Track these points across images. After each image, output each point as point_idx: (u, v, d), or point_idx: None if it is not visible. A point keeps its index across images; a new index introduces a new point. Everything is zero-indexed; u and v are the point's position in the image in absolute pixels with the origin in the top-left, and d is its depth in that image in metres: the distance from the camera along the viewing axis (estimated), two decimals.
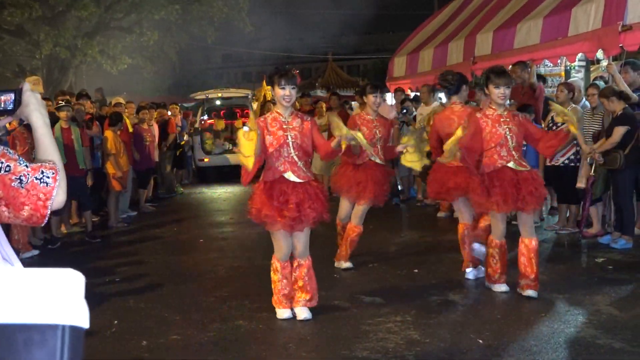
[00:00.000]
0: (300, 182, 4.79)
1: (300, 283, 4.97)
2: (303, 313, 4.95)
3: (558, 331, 4.53)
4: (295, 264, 4.98)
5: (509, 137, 5.22)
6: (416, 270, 6.35)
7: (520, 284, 5.35)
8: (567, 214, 7.88)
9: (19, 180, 1.79)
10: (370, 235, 8.31)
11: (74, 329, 0.98)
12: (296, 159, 4.80)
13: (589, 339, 4.36)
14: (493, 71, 5.33)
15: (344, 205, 6.54)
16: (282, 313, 4.99)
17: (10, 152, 1.82)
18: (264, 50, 40.10)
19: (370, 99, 6.42)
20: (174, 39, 24.88)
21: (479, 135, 5.27)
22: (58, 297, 0.98)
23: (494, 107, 5.34)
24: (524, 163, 5.31)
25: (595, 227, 7.42)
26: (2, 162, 1.79)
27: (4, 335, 0.92)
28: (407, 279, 6.07)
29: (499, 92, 5.22)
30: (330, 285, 5.90)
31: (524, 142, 5.54)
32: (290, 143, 4.78)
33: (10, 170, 1.79)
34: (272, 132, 4.78)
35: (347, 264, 6.53)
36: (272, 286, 5.02)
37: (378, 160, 6.30)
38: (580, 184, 7.36)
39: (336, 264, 6.58)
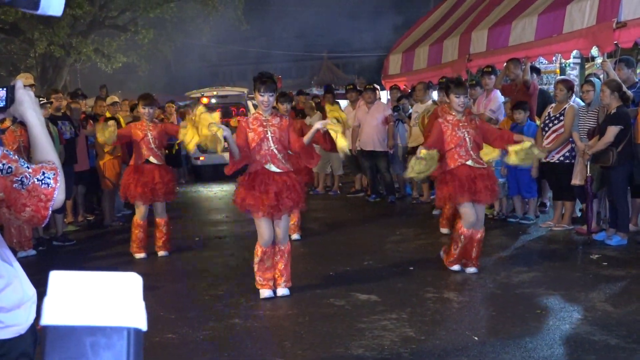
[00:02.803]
0: (279, 173, 5.33)
1: (280, 266, 5.52)
2: (282, 291, 5.53)
3: (553, 328, 4.54)
4: (277, 249, 5.49)
5: (467, 138, 5.93)
6: (411, 268, 6.36)
7: (463, 262, 6.11)
8: (563, 211, 7.88)
9: (20, 182, 1.79)
10: (366, 232, 8.34)
11: (137, 332, 1.00)
12: (276, 151, 5.34)
13: (584, 336, 4.37)
14: (452, 82, 6.13)
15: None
16: (264, 292, 5.48)
17: (10, 154, 1.82)
18: (260, 48, 40.08)
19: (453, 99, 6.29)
20: (169, 37, 24.82)
21: (441, 137, 5.97)
22: (122, 300, 1.00)
23: (453, 113, 6.04)
24: (481, 161, 6.04)
25: (592, 224, 7.42)
26: (3, 164, 1.78)
27: (72, 338, 0.93)
28: (403, 277, 6.07)
29: (458, 101, 5.95)
30: (325, 283, 5.91)
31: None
32: (270, 138, 5.33)
33: (12, 171, 1.78)
34: (253, 129, 5.35)
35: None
36: (255, 269, 5.49)
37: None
38: (576, 180, 7.37)
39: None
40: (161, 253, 7.35)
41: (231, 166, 5.34)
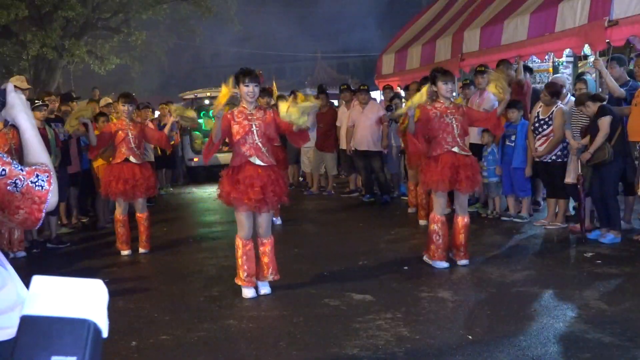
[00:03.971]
0: (264, 166, 5.38)
1: (265, 259, 5.58)
2: (264, 288, 5.61)
3: (547, 326, 4.55)
4: (260, 242, 5.57)
5: (454, 125, 6.13)
6: (406, 268, 6.36)
7: (454, 253, 6.29)
8: (556, 209, 7.90)
9: (14, 184, 1.78)
10: (360, 232, 8.34)
11: (97, 330, 1.23)
12: (260, 145, 5.40)
13: (578, 334, 4.38)
14: (439, 71, 6.29)
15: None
16: (248, 292, 5.52)
17: (4, 156, 1.81)
18: (253, 49, 40.02)
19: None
20: (162, 38, 24.79)
21: (429, 124, 6.14)
22: (88, 299, 1.25)
23: (441, 100, 6.23)
24: (466, 149, 6.30)
25: (584, 222, 7.44)
26: None
27: (42, 327, 1.19)
28: (397, 276, 6.07)
29: (446, 88, 6.16)
30: (320, 283, 5.90)
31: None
32: (255, 131, 5.39)
33: (5, 174, 1.78)
34: (238, 122, 5.41)
35: None
36: (237, 266, 5.55)
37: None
38: (569, 179, 7.39)
39: None
40: (141, 250, 7.57)
41: (207, 152, 5.50)
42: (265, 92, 8.50)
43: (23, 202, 1.79)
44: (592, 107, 6.88)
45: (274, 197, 5.41)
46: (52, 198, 1.84)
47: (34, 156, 1.94)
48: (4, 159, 1.80)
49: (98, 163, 9.13)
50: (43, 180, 1.83)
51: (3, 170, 1.78)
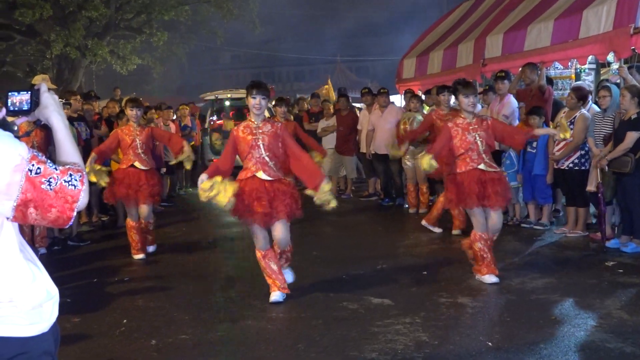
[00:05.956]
0: (270, 181, 5.26)
1: (283, 263, 5.61)
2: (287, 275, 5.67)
3: (568, 334, 4.51)
4: (279, 252, 5.52)
5: (478, 142, 5.80)
6: (425, 272, 6.34)
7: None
8: (576, 217, 7.83)
9: (48, 183, 1.81)
10: (379, 236, 8.34)
11: None
12: (267, 159, 5.29)
13: (599, 343, 4.34)
14: (460, 83, 5.97)
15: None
16: (278, 296, 5.42)
17: (39, 155, 1.84)
18: (273, 51, 40.17)
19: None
20: (183, 39, 24.95)
21: (448, 143, 5.85)
22: None
23: (463, 115, 5.92)
24: (494, 165, 5.93)
25: (606, 231, 7.37)
26: (33, 165, 1.81)
27: None
28: (416, 281, 6.06)
29: (468, 101, 5.80)
30: (338, 286, 5.90)
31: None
32: (261, 145, 5.28)
33: (40, 172, 1.81)
34: (242, 138, 5.34)
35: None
36: (265, 275, 5.49)
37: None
38: (591, 187, 7.32)
39: None
40: (149, 249, 7.58)
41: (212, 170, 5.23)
42: (282, 101, 8.42)
43: (56, 200, 1.82)
44: (633, 107, 6.67)
45: (283, 208, 5.25)
46: (84, 198, 1.87)
47: (66, 156, 1.97)
48: (39, 157, 1.83)
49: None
50: (76, 180, 1.85)
51: (38, 168, 1.81)
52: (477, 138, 5.79)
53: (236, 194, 5.11)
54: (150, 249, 7.62)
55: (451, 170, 5.95)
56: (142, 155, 7.27)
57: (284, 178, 5.44)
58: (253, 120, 5.38)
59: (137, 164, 7.22)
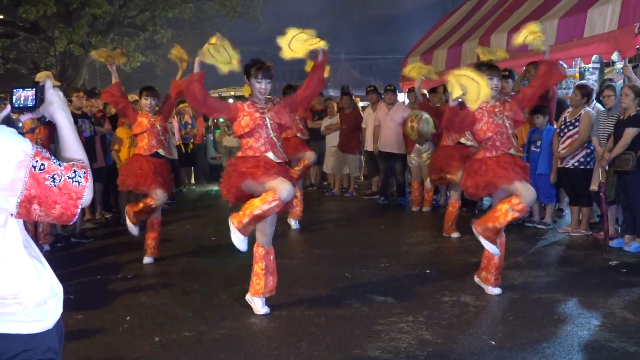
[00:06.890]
0: (278, 162, 5.04)
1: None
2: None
3: (571, 334, 4.51)
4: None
5: (507, 124, 5.42)
6: (428, 271, 6.34)
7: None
8: (579, 217, 7.82)
9: (52, 179, 1.81)
10: (382, 234, 8.32)
11: None
12: (275, 140, 5.05)
13: (602, 342, 4.33)
14: (484, 64, 5.58)
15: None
16: (259, 307, 5.16)
17: (43, 151, 1.84)
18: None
19: None
20: (187, 37, 24.94)
21: (475, 126, 5.41)
22: None
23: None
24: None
25: (609, 230, 7.36)
26: (37, 161, 1.80)
27: None
28: (419, 279, 6.05)
29: (492, 84, 5.32)
30: (341, 284, 5.90)
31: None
32: (269, 125, 5.02)
33: (44, 168, 1.81)
34: (248, 113, 5.00)
35: None
36: (256, 275, 5.21)
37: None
38: (594, 186, 7.31)
39: None
40: (146, 260, 6.96)
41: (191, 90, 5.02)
42: (292, 88, 8.17)
43: (60, 197, 1.82)
44: (633, 105, 6.70)
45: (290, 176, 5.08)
46: (88, 194, 1.87)
47: (71, 152, 1.97)
48: (43, 153, 1.83)
49: (123, 156, 9.21)
50: (80, 176, 1.85)
51: (42, 164, 1.80)
52: (505, 120, 5.42)
53: (246, 165, 4.94)
54: (148, 260, 6.98)
55: (480, 156, 5.48)
56: (165, 142, 6.90)
57: (288, 161, 5.31)
58: (256, 101, 5.09)
59: (160, 151, 6.79)
